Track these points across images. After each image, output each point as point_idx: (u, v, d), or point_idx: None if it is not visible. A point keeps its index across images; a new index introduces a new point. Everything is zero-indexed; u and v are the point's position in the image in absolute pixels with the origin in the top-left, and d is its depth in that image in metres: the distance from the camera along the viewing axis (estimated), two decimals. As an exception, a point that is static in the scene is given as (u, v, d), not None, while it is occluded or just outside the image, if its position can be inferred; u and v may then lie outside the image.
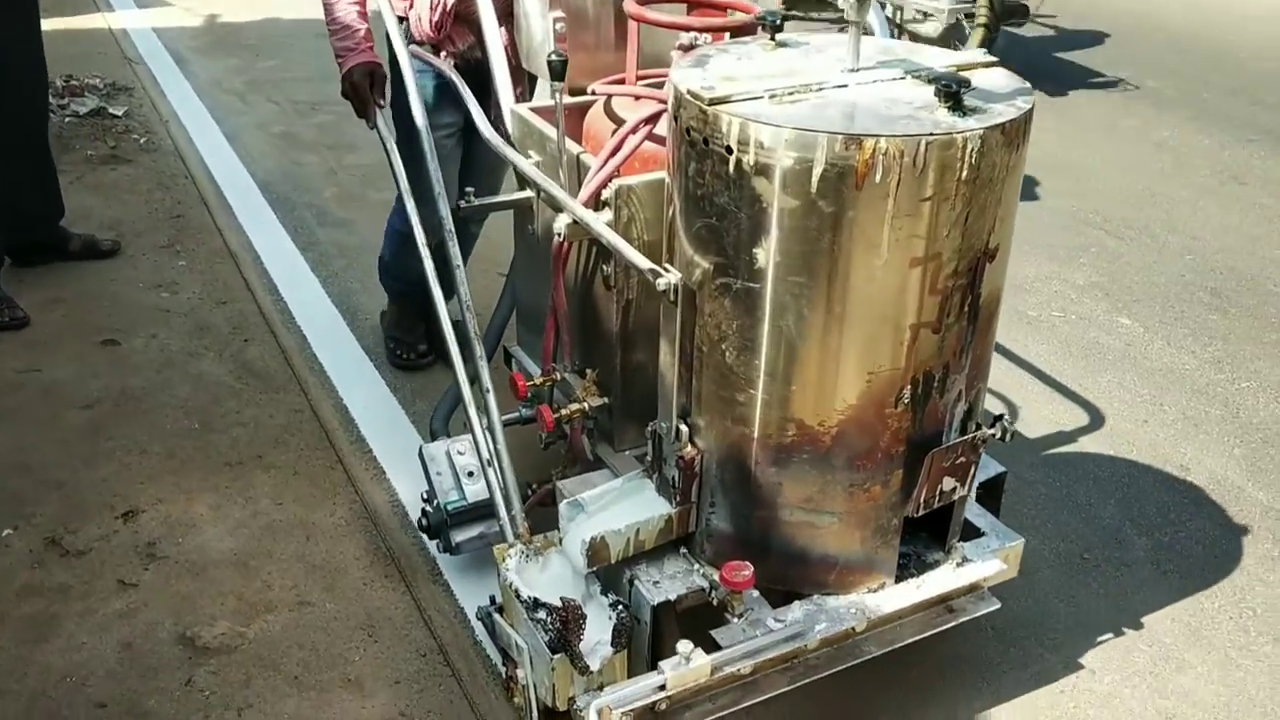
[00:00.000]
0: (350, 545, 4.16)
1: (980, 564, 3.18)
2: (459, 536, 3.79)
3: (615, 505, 3.18)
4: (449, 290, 3.67)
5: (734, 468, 2.96)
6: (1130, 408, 5.04)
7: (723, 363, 2.85)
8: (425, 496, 3.84)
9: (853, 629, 2.99)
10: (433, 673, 3.64)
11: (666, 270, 2.85)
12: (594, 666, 2.98)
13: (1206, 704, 3.56)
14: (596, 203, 3.26)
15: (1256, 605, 3.96)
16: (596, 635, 3.01)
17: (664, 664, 2.82)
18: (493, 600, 3.41)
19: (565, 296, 3.50)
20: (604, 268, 3.33)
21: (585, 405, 3.54)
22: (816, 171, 2.53)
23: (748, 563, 2.95)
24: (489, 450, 3.44)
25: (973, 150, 2.54)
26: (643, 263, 2.92)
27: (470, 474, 3.78)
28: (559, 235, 3.26)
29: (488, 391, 3.39)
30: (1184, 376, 5.29)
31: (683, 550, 3.19)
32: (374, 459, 4.59)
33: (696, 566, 3.14)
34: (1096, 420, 4.94)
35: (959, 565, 3.18)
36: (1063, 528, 4.06)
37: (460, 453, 3.83)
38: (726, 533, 3.07)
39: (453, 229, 3.58)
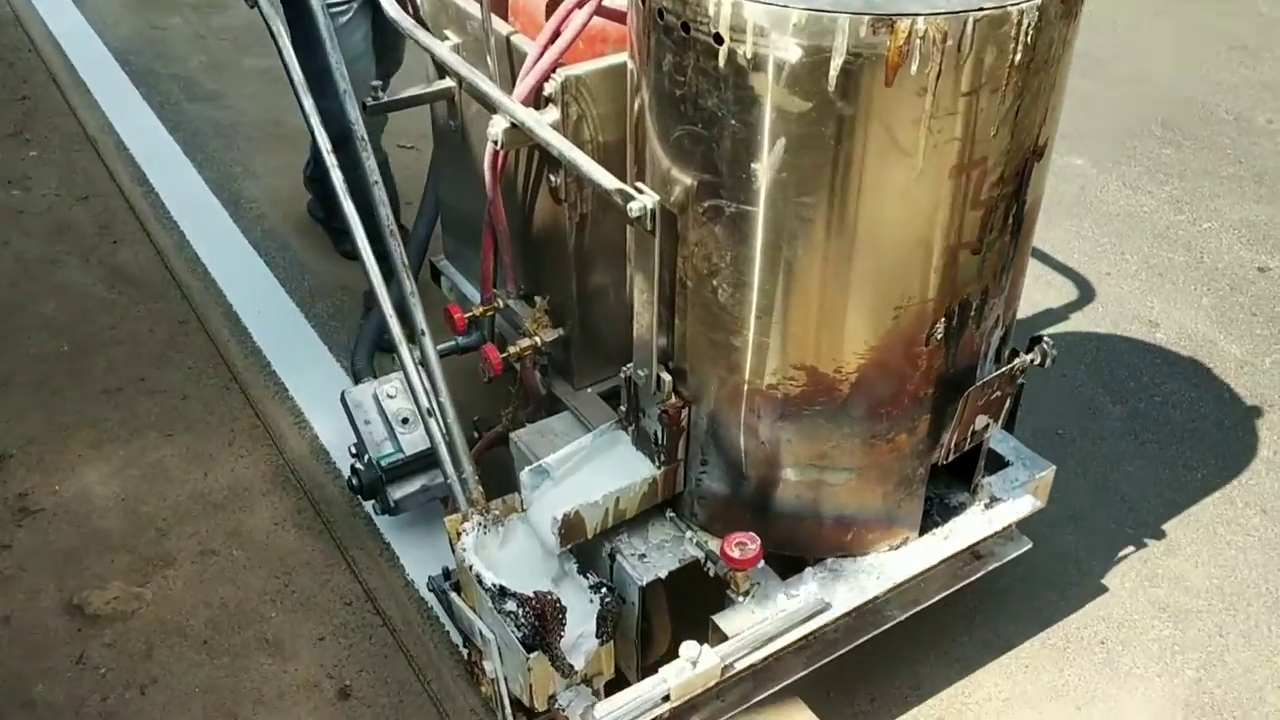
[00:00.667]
0: (255, 478, 3.62)
1: (1011, 503, 2.76)
2: (398, 493, 3.26)
3: (587, 468, 2.68)
4: (365, 209, 3.04)
5: (729, 422, 2.46)
6: (1091, 259, 4.67)
7: (713, 301, 2.31)
8: (354, 450, 3.29)
9: (875, 598, 2.57)
10: (360, 623, 3.18)
11: (639, 191, 2.27)
12: (579, 666, 2.53)
13: (1199, 589, 3.29)
14: (538, 99, 2.64)
15: (1240, 473, 3.67)
16: (578, 626, 2.54)
17: (667, 671, 2.37)
18: (447, 574, 2.92)
19: (504, 212, 2.91)
20: (551, 177, 2.74)
21: (537, 340, 2.99)
22: (835, 64, 1.96)
23: (753, 535, 2.48)
24: (427, 396, 2.89)
25: (1029, 26, 1.99)
26: (608, 181, 2.34)
27: (405, 420, 3.23)
28: (495, 143, 2.65)
29: (423, 334, 2.82)
30: (1143, 220, 4.94)
31: (669, 514, 2.71)
32: (274, 374, 4.01)
33: (688, 533, 2.67)
34: (1056, 275, 4.57)
35: (987, 507, 2.75)
36: (1032, 401, 3.61)
37: (390, 395, 3.27)
38: (721, 494, 2.59)
39: (365, 135, 2.92)
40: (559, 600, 2.49)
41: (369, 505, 3.36)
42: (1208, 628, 3.19)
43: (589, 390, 3.08)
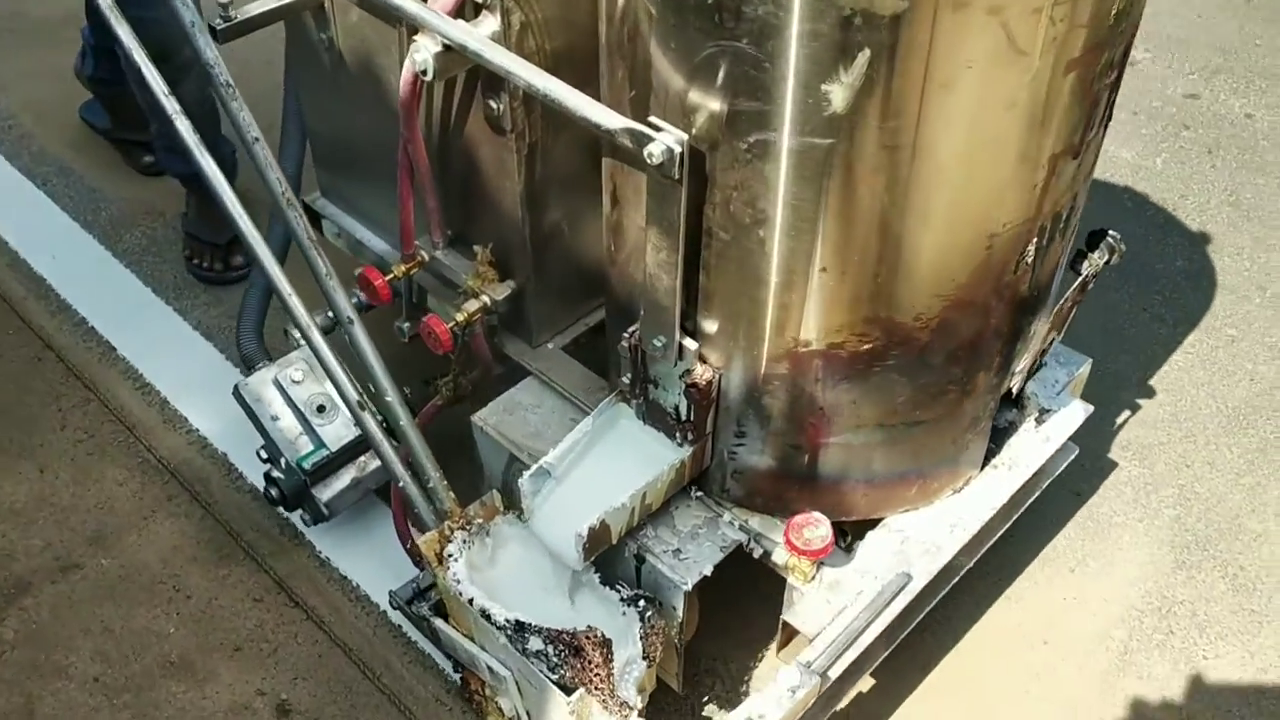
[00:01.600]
0: (102, 464, 3.01)
1: (1062, 414, 2.44)
2: (326, 494, 2.71)
3: (595, 459, 2.20)
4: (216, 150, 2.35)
5: (777, 389, 2.02)
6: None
7: (759, 254, 1.83)
8: (264, 455, 2.70)
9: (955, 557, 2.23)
10: (280, 621, 2.70)
11: (657, 129, 1.74)
12: (633, 700, 2.12)
13: (1154, 419, 3.16)
14: (463, 7, 2.03)
15: (1159, 288, 3.54)
16: (620, 651, 2.12)
17: (763, 706, 1.97)
18: (420, 591, 2.43)
19: (425, 151, 2.30)
20: (491, 103, 2.15)
21: (486, 299, 2.44)
22: (948, -54, 1.45)
23: (818, 515, 2.08)
24: (353, 387, 2.33)
25: None
26: (609, 118, 1.79)
27: (321, 409, 2.65)
28: (422, 72, 2.03)
29: (350, 322, 2.22)
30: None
31: (696, 493, 2.28)
32: (94, 332, 3.34)
33: (725, 515, 2.25)
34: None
35: (1039, 421, 2.42)
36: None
37: (296, 380, 2.67)
38: (763, 467, 2.17)
39: (218, 57, 2.22)
40: (600, 634, 2.06)
41: (296, 517, 2.79)
42: (1173, 459, 3.05)
43: (549, 345, 2.56)
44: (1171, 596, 2.76)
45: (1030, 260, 1.91)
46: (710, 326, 2.00)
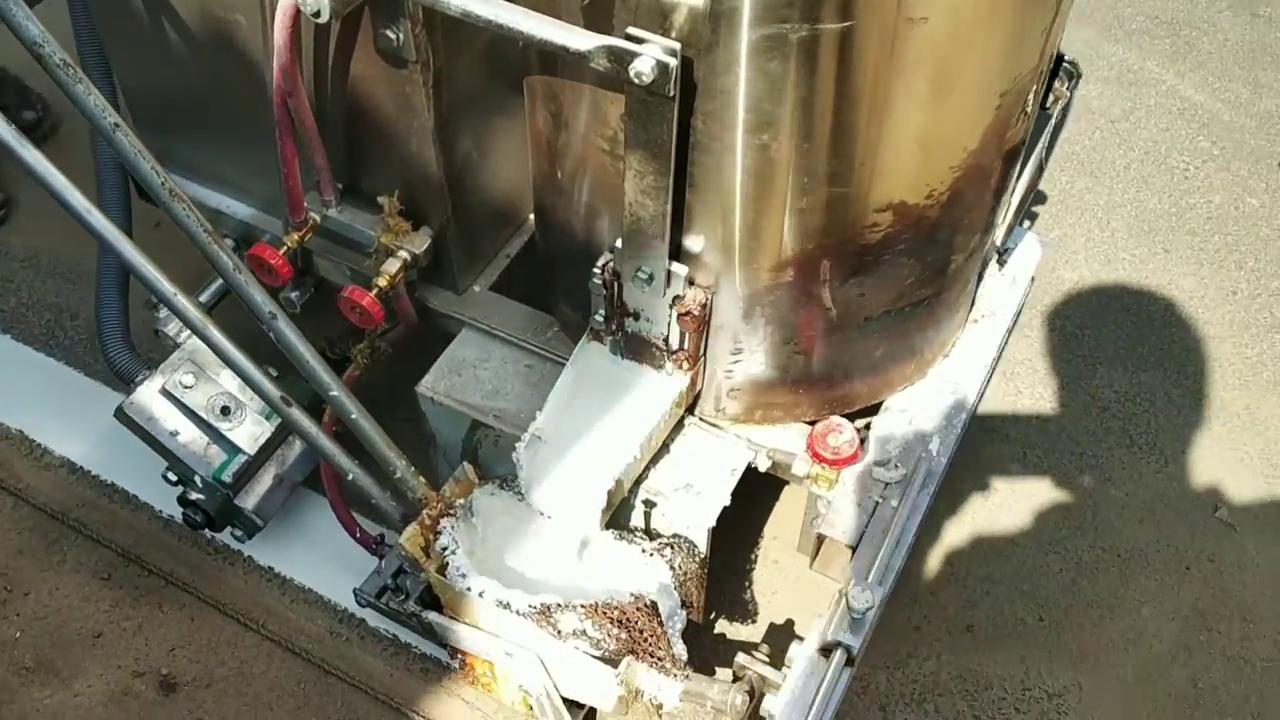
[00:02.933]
0: None
1: (1021, 251, 2.36)
2: (253, 501, 2.40)
3: (584, 411, 1.98)
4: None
5: (779, 298, 1.85)
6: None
7: (762, 159, 1.63)
8: (173, 477, 2.34)
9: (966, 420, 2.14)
10: (137, 591, 2.47)
11: (640, 41, 1.48)
12: (682, 653, 1.97)
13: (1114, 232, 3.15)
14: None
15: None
16: (665, 609, 1.95)
17: (837, 632, 1.85)
18: (398, 585, 2.19)
19: (307, 101, 1.94)
20: (387, 33, 1.81)
21: (406, 254, 2.13)
22: None
23: (839, 421, 1.95)
24: (271, 383, 2.00)
25: None
26: (583, 40, 1.51)
27: (225, 410, 2.32)
28: (315, 14, 1.68)
29: (273, 317, 1.88)
30: None
31: (691, 418, 2.10)
32: None
33: (724, 435, 2.09)
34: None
35: (1001, 264, 2.34)
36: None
37: (187, 385, 2.31)
38: (763, 378, 2.01)
39: (44, 32, 1.78)
40: (648, 600, 1.88)
41: (227, 536, 2.46)
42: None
43: (476, 289, 2.29)
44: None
45: (1029, 110, 1.78)
46: (697, 246, 1.79)
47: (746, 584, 2.51)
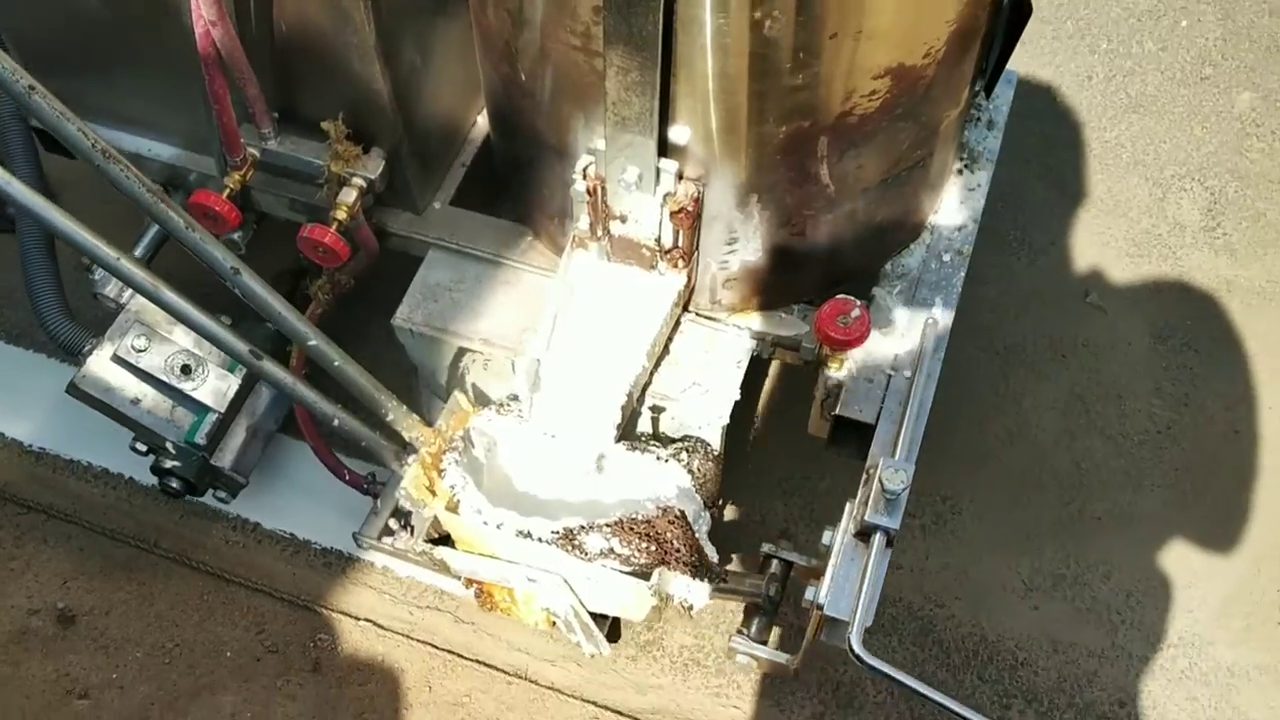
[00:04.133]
0: None
1: (1000, 92, 2.27)
2: (229, 459, 2.28)
3: (579, 322, 1.88)
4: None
5: (775, 181, 1.75)
6: None
7: (756, 39, 1.51)
8: (142, 446, 2.21)
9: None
10: (18, 532, 2.44)
11: (617, -76, 1.34)
12: (713, 554, 1.92)
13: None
14: None
15: None
16: (690, 514, 1.90)
17: (880, 517, 1.80)
18: (404, 525, 2.11)
19: (234, 32, 1.75)
20: (314, -56, 1.63)
21: (361, 181, 1.98)
22: None
23: (845, 298, 1.87)
24: (236, 338, 1.87)
25: None
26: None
27: (185, 370, 2.17)
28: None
29: (236, 271, 1.73)
30: None
31: (687, 315, 2.01)
32: None
33: (723, 327, 2.00)
34: None
35: (981, 109, 2.25)
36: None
37: (140, 349, 2.16)
38: (759, 265, 1.92)
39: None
40: (677, 510, 1.82)
41: (212, 499, 2.34)
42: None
43: (436, 206, 2.15)
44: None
45: (1013, -52, 1.67)
46: (684, 138, 1.68)
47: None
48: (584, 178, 1.76)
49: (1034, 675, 2.33)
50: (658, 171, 1.70)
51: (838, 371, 1.95)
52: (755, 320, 2.00)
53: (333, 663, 2.35)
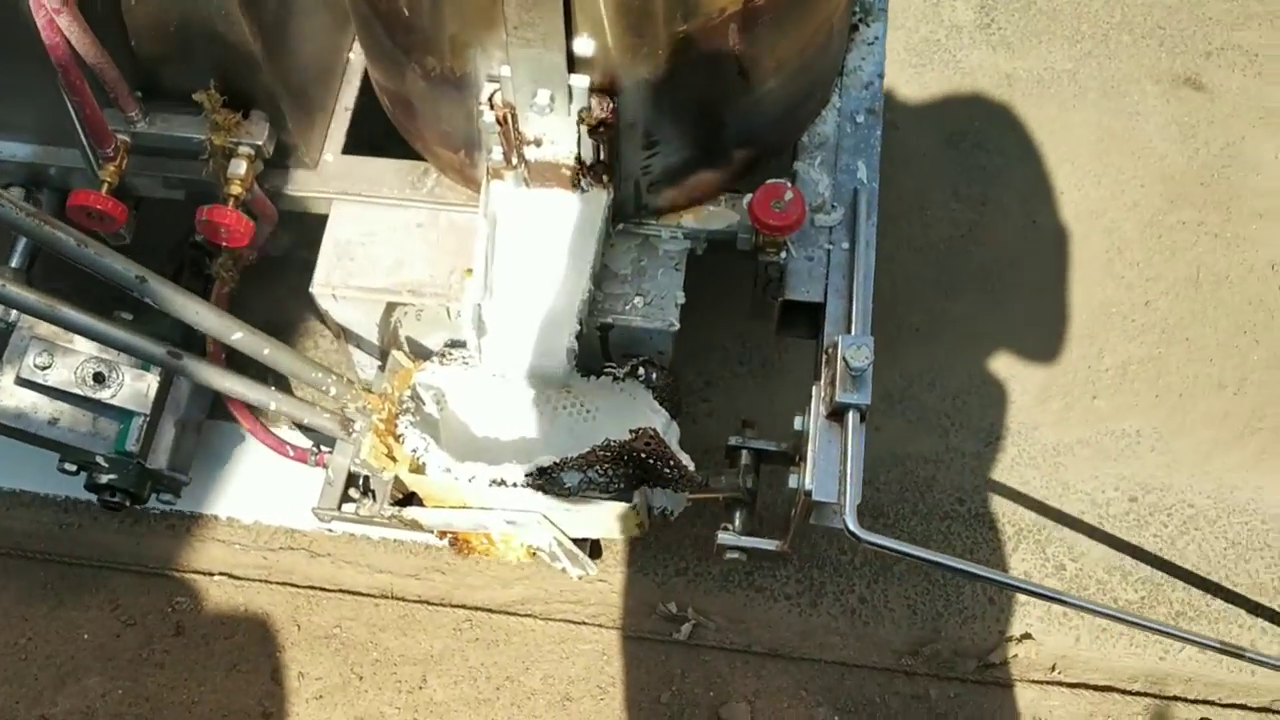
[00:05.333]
0: None
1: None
2: (163, 459, 2.17)
3: (512, 255, 1.81)
4: None
5: (691, 76, 1.68)
6: None
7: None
8: (71, 466, 2.09)
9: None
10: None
11: None
12: (688, 460, 1.90)
13: None
14: None
15: None
16: (660, 429, 1.87)
17: (853, 395, 1.79)
18: (365, 491, 2.06)
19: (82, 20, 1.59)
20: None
21: (248, 148, 1.85)
22: None
23: (780, 182, 1.83)
24: (149, 342, 1.75)
25: None
26: None
27: (99, 378, 2.05)
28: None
29: (142, 280, 1.60)
30: None
31: (618, 227, 1.95)
32: None
33: (655, 233, 1.95)
34: None
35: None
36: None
37: (42, 366, 2.02)
38: (683, 163, 1.86)
39: None
40: (650, 431, 1.79)
41: (155, 505, 2.23)
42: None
43: (328, 158, 2.02)
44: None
45: None
46: (590, 49, 1.59)
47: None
48: (490, 107, 1.66)
49: (877, 492, 2.42)
50: (570, 89, 1.61)
51: (775, 256, 1.92)
52: (685, 219, 1.95)
53: (195, 623, 2.34)
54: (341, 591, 2.36)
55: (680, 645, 2.31)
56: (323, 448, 2.23)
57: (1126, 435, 2.50)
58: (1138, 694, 2.32)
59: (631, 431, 1.80)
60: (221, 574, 2.36)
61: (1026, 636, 2.32)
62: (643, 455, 1.80)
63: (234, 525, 2.39)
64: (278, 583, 2.37)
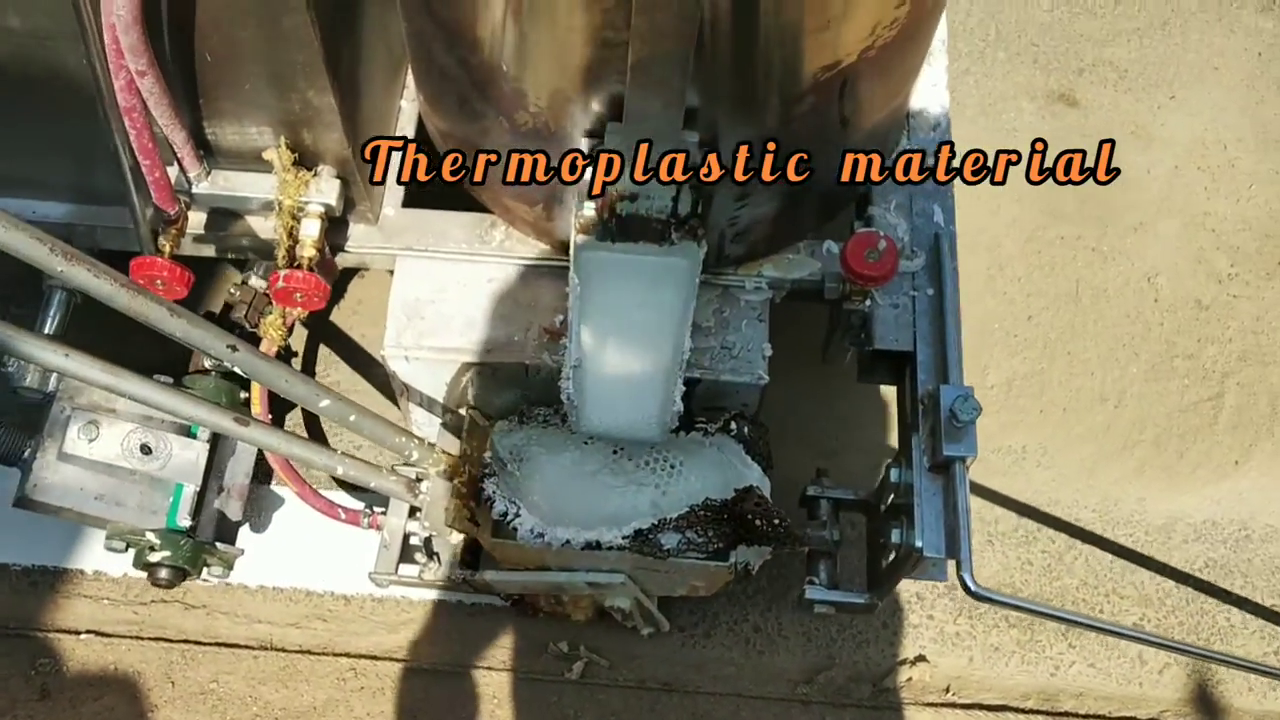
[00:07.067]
0: None
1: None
2: (209, 531, 2.06)
3: (604, 314, 1.73)
4: None
5: (795, 127, 1.63)
6: None
7: (788, -10, 1.37)
8: (119, 544, 1.97)
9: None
10: None
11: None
12: (788, 518, 1.85)
13: None
14: None
15: None
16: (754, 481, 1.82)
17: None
18: (429, 554, 1.98)
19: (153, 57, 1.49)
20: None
21: (319, 205, 1.76)
22: None
23: (870, 231, 1.79)
24: (220, 411, 1.66)
25: None
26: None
27: (146, 450, 1.93)
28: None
29: (235, 348, 1.50)
30: None
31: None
32: None
33: (735, 283, 1.90)
34: None
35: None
36: None
37: (91, 439, 1.91)
38: (768, 213, 1.81)
39: None
40: (756, 492, 1.74)
41: (206, 578, 2.11)
42: None
43: (389, 212, 1.93)
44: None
45: None
46: (699, 103, 1.53)
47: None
48: (589, 166, 1.59)
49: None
50: (680, 144, 1.55)
51: (860, 304, 1.89)
52: (766, 268, 1.90)
53: (60, 685, 2.24)
54: (218, 644, 2.28)
55: (573, 684, 2.28)
56: (375, 509, 2.14)
57: (1013, 452, 2.54)
58: (1031, 712, 2.36)
59: (736, 491, 1.74)
60: (89, 631, 2.27)
61: (920, 659, 2.34)
62: (744, 513, 1.75)
63: (101, 579, 2.29)
64: (149, 638, 2.28)
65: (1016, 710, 2.32)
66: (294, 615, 2.27)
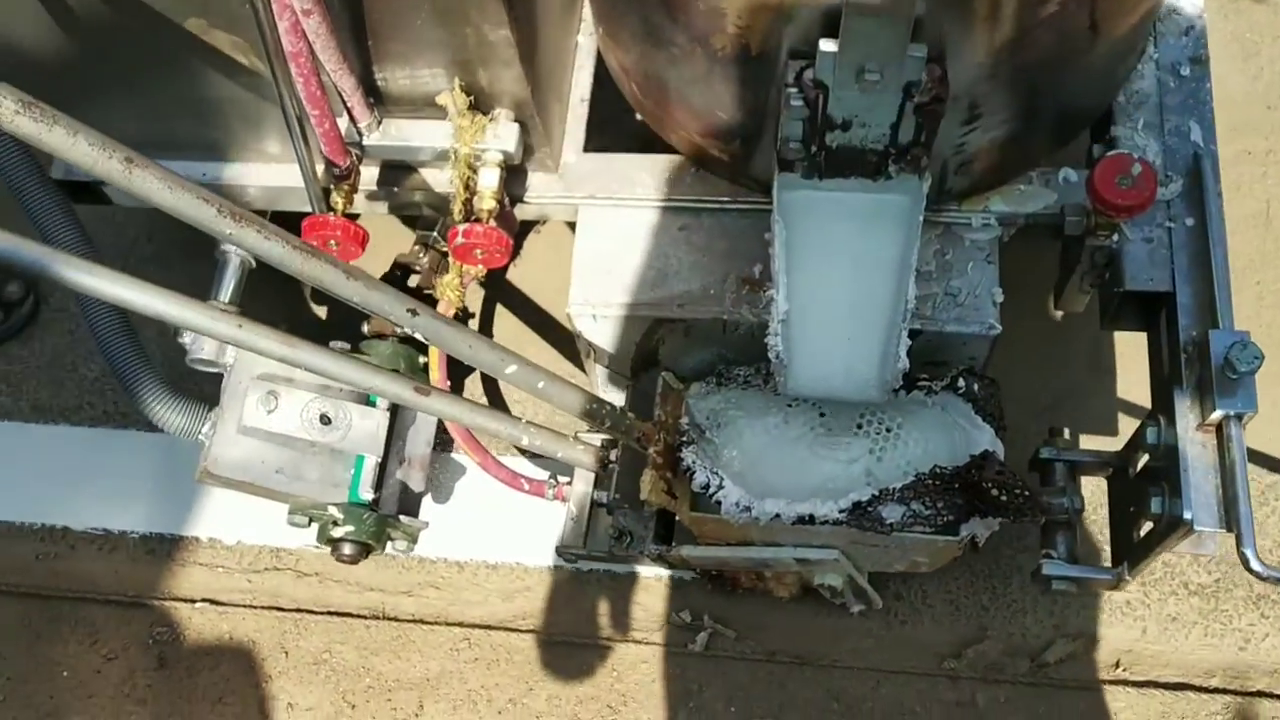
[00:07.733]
0: None
1: None
2: (392, 504, 1.96)
3: (814, 262, 1.55)
4: None
5: (1036, 33, 1.40)
6: None
7: None
8: (303, 520, 1.89)
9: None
10: None
11: None
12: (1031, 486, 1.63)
13: None
14: None
15: None
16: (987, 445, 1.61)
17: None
18: (623, 532, 1.83)
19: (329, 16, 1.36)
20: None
21: (497, 153, 1.61)
22: None
23: (1125, 153, 1.54)
24: (399, 381, 1.53)
25: None
26: None
27: (326, 420, 1.83)
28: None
29: (413, 313, 1.38)
30: None
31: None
32: None
33: (959, 220, 1.68)
34: None
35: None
36: None
37: (270, 409, 1.82)
38: (995, 139, 1.58)
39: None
40: (990, 456, 1.53)
41: (389, 552, 2.02)
42: None
43: (570, 159, 1.77)
44: None
45: None
46: (926, 11, 1.32)
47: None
48: (800, 83, 1.40)
49: None
50: (905, 61, 1.34)
51: (1108, 239, 1.64)
52: (994, 202, 1.68)
53: (177, 655, 2.17)
54: (330, 613, 2.19)
55: (697, 657, 2.08)
56: (560, 478, 2.01)
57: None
58: (1216, 691, 2.02)
59: (972, 457, 1.54)
60: (204, 600, 2.21)
61: (1085, 631, 2.02)
62: (979, 481, 1.54)
63: (216, 547, 2.24)
64: (263, 607, 2.21)
65: (1199, 689, 2.01)
66: (406, 583, 2.19)
